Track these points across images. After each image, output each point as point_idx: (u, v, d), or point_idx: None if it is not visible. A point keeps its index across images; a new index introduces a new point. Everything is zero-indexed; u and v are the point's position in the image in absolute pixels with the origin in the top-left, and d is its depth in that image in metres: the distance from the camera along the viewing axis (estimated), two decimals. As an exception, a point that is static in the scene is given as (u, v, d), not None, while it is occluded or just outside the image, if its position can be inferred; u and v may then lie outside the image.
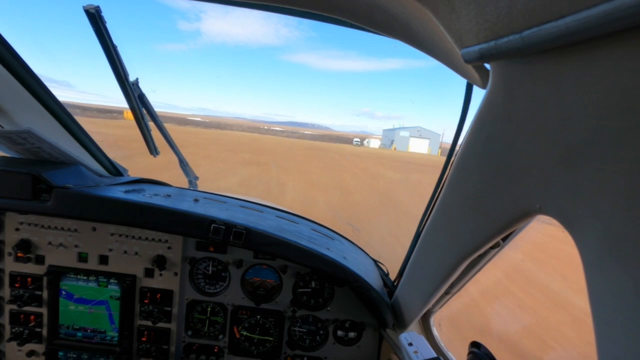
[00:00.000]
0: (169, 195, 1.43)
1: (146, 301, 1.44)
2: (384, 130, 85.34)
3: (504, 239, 0.89)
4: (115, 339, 1.45)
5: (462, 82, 0.89)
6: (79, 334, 1.45)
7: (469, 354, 0.95)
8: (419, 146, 73.55)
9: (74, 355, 1.46)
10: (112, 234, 1.39)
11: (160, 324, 1.46)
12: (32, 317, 1.42)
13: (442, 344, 1.37)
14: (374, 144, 74.98)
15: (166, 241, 1.42)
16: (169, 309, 1.46)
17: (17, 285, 1.39)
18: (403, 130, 75.74)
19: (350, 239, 1.77)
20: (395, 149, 67.84)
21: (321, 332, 1.52)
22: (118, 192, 1.28)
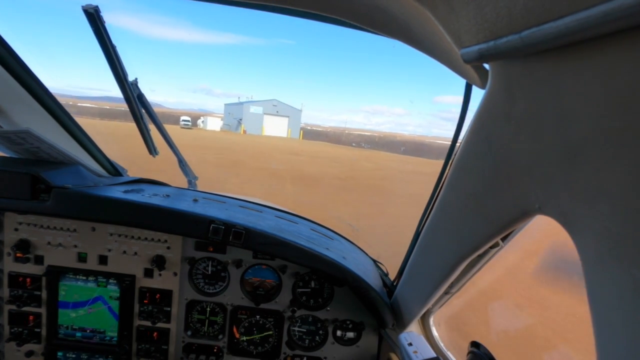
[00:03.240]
0: (168, 195, 1.43)
1: (145, 301, 1.44)
2: (227, 105, 58.24)
3: (504, 239, 0.89)
4: (115, 339, 1.45)
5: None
6: (78, 334, 1.44)
7: (468, 353, 0.95)
8: (276, 127, 52.38)
9: (73, 356, 1.45)
10: (111, 234, 1.39)
11: (160, 324, 1.46)
12: (31, 317, 1.42)
13: (442, 343, 1.38)
14: (213, 124, 51.41)
15: (165, 241, 1.41)
16: (169, 309, 1.46)
17: (16, 285, 1.39)
18: (254, 104, 50.96)
19: (350, 238, 1.77)
20: (244, 131, 47.97)
21: (321, 332, 1.52)
22: (117, 192, 1.28)
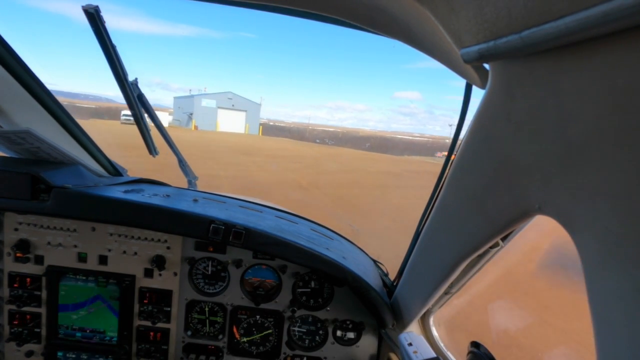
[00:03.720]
0: (168, 195, 1.43)
1: (145, 301, 1.44)
2: (176, 98, 51.93)
3: (504, 239, 0.89)
4: (115, 339, 1.45)
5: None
6: (78, 334, 1.44)
7: (468, 353, 0.95)
8: (232, 122, 46.88)
9: (73, 356, 1.45)
10: (111, 234, 1.39)
11: (160, 324, 1.46)
12: (31, 317, 1.42)
13: (442, 344, 1.37)
14: (162, 119, 24.97)
15: (165, 241, 1.41)
16: (169, 309, 1.46)
17: (16, 285, 1.39)
18: (207, 97, 45.88)
19: (350, 239, 1.77)
20: (195, 127, 41.96)
21: (320, 332, 1.52)
22: (117, 192, 1.28)
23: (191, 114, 44.92)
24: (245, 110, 49.35)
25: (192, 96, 47.49)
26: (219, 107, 46.48)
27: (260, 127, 52.76)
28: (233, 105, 48.04)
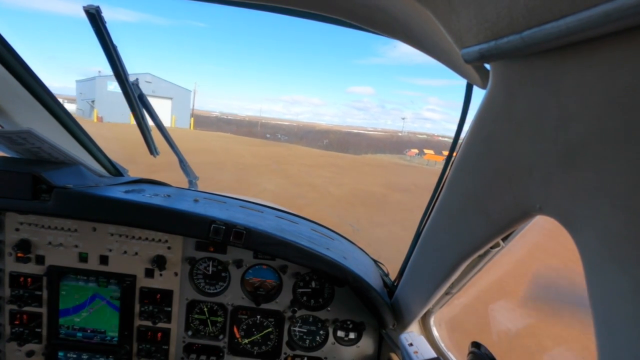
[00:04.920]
0: (169, 196, 1.43)
1: (146, 301, 1.44)
2: (78, 82, 39.97)
3: (504, 239, 0.89)
4: (115, 339, 1.45)
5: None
6: (79, 334, 1.45)
7: (469, 354, 0.95)
8: (155, 111, 13.56)
9: (74, 356, 1.46)
10: (112, 234, 1.39)
11: (160, 324, 1.46)
12: (32, 317, 1.42)
13: (442, 344, 1.37)
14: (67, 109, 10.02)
15: (166, 241, 1.42)
16: (169, 309, 1.46)
17: (17, 285, 1.39)
18: (113, 80, 1.75)
19: (350, 239, 1.77)
20: (99, 118, 31.73)
21: (321, 332, 1.52)
22: (118, 192, 1.28)
23: (92, 101, 33.90)
24: (171, 98, 38.08)
25: (93, 78, 34.45)
26: None
27: (192, 119, 42.31)
28: (153, 92, 35.22)
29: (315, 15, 0.95)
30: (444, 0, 0.57)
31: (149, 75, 36.79)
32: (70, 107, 35.02)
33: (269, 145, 29.74)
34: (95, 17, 1.10)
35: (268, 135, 50.06)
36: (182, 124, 40.06)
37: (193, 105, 45.52)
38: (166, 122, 35.55)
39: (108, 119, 32.05)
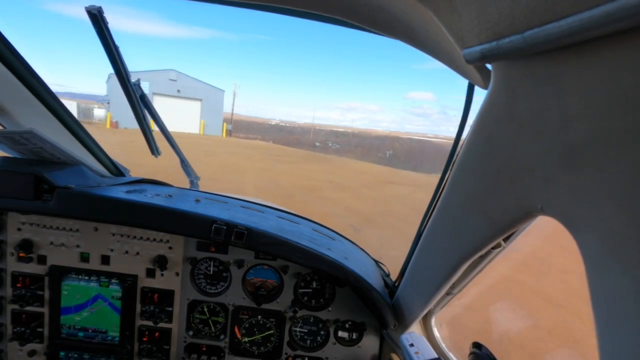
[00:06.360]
0: (170, 196, 1.43)
1: (147, 301, 1.45)
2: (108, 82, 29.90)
3: (506, 240, 0.89)
4: (117, 338, 1.46)
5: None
6: (80, 333, 1.45)
7: (470, 354, 0.95)
8: (179, 116, 30.12)
9: (75, 355, 1.46)
10: (113, 234, 1.40)
11: (162, 324, 1.46)
12: (33, 316, 1.42)
13: (443, 344, 1.37)
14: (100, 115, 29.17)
15: (167, 241, 1.42)
16: (170, 309, 1.46)
17: (18, 285, 1.40)
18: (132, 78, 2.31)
19: (351, 239, 1.77)
20: (113, 123, 27.37)
21: (322, 332, 1.52)
22: (120, 192, 1.28)
23: (107, 102, 28.86)
24: (200, 100, 32.06)
25: (109, 77, 28.77)
26: (155, 94, 28.92)
27: (225, 125, 35.63)
28: (179, 91, 30.67)
29: (316, 15, 0.95)
30: (446, 1, 0.57)
31: (173, 72, 30.89)
32: (99, 113, 30.07)
33: (309, 161, 20.82)
34: (97, 18, 1.10)
35: (317, 144, 41.78)
36: (213, 131, 33.40)
37: (233, 109, 40.39)
38: (193, 127, 31.76)
39: (124, 125, 27.63)
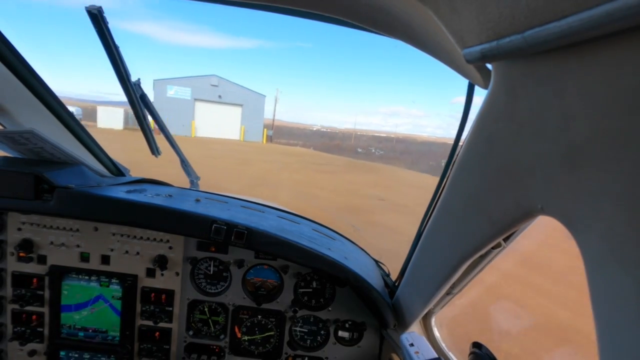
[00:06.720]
0: (170, 195, 1.43)
1: (147, 301, 1.45)
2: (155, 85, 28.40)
3: (506, 240, 0.89)
4: (117, 338, 1.46)
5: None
6: (81, 333, 1.45)
7: (470, 354, 0.95)
8: (219, 122, 30.49)
9: (76, 355, 1.46)
10: (113, 234, 1.40)
11: (162, 324, 1.46)
12: (33, 316, 1.42)
13: (444, 344, 1.37)
14: (108, 118, 26.04)
15: (167, 241, 1.42)
16: (170, 308, 1.46)
17: (19, 285, 1.40)
18: (173, 84, 28.03)
19: (351, 239, 1.77)
20: (156, 129, 1.96)
21: (322, 332, 1.52)
22: (120, 192, 1.28)
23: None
24: (241, 105, 31.46)
25: (154, 84, 28.10)
26: (196, 99, 28.99)
27: (266, 131, 34.54)
28: (220, 97, 30.26)
29: (316, 15, 0.95)
30: (446, 1, 0.57)
31: (214, 78, 30.32)
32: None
33: (352, 170, 18.27)
34: (97, 18, 1.11)
35: (359, 150, 38.82)
36: (253, 136, 32.79)
37: (274, 115, 39.17)
38: (234, 133, 31.45)
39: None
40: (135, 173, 1.73)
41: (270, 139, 35.91)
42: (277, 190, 10.21)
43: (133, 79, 1.37)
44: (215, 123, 30.34)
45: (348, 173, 16.51)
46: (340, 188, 11.80)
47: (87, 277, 1.42)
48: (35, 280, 1.40)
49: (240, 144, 27.46)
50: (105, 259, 1.41)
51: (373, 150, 38.78)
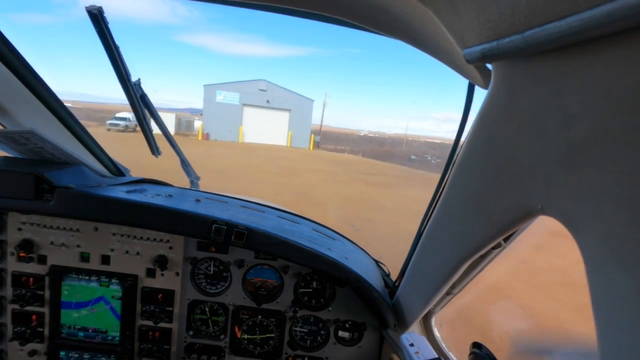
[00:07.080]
0: (170, 195, 1.43)
1: (147, 301, 1.45)
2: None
3: (506, 240, 0.89)
4: (117, 338, 1.46)
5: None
6: (81, 333, 1.45)
7: (470, 354, 0.95)
8: (266, 128, 30.26)
9: (76, 355, 1.46)
10: (113, 234, 1.40)
11: (162, 324, 1.46)
12: (34, 316, 1.42)
13: (444, 344, 1.37)
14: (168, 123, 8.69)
15: (168, 241, 1.42)
16: (171, 308, 1.46)
17: (19, 285, 1.40)
18: (222, 89, 28.34)
19: (352, 239, 1.77)
20: (205, 136, 27.38)
21: (322, 332, 1.52)
22: (120, 192, 1.28)
23: (201, 114, 29.29)
24: (289, 110, 30.84)
25: (211, 85, 28.50)
26: (244, 104, 28.62)
27: (313, 137, 33.05)
28: (268, 102, 29.85)
29: (316, 15, 0.95)
30: (446, 1, 0.57)
31: (262, 82, 29.77)
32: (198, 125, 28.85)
33: (410, 182, 15.64)
34: (97, 17, 1.11)
35: (413, 157, 35.66)
36: (300, 142, 31.77)
37: (322, 120, 37.95)
38: (281, 139, 30.97)
39: (216, 137, 26.68)
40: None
41: (317, 145, 34.70)
42: (325, 211, 8.27)
43: (133, 79, 1.38)
44: (262, 129, 29.95)
45: (408, 186, 13.92)
46: (403, 208, 9.34)
47: (87, 277, 1.42)
48: (35, 280, 1.40)
49: (286, 150, 26.57)
50: (106, 259, 1.41)
51: (429, 158, 34.40)
